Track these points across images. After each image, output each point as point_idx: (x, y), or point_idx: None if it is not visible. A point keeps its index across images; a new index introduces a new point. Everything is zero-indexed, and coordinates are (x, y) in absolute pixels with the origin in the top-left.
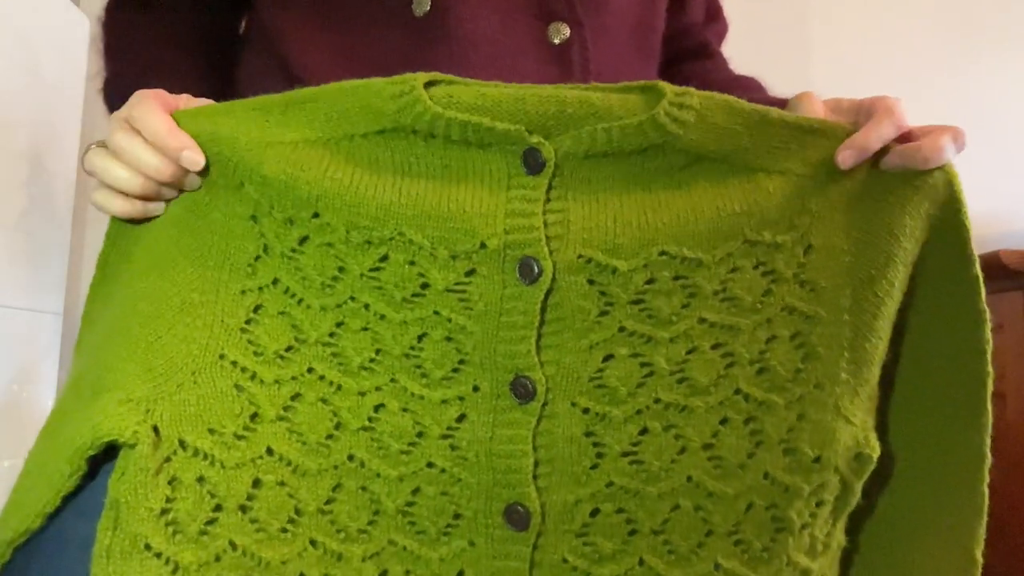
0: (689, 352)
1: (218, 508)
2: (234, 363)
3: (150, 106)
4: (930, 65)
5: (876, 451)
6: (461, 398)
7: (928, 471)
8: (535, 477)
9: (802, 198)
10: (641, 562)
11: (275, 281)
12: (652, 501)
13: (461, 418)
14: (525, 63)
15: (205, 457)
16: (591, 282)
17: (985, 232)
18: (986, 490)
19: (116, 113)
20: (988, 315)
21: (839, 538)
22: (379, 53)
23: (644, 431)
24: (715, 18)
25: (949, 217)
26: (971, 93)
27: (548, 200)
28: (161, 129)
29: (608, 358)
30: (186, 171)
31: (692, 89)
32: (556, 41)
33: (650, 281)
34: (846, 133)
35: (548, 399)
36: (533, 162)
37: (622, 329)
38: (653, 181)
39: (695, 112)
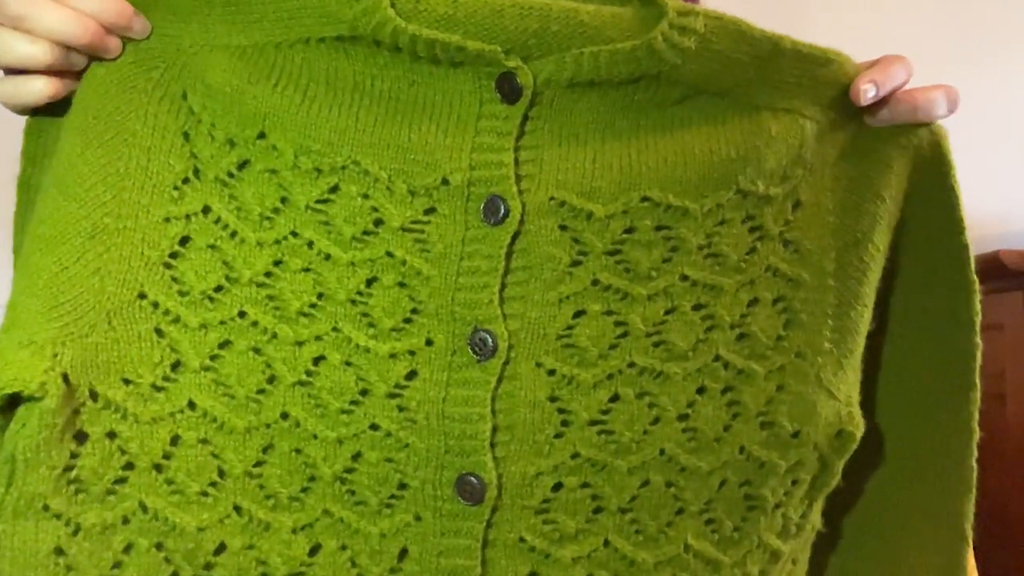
0: (668, 312)
1: (129, 466)
2: (155, 304)
3: None
4: (930, 65)
5: (860, 428)
6: (412, 352)
7: (916, 447)
8: (492, 445)
9: (801, 145)
10: (606, 543)
11: (205, 209)
12: (621, 476)
13: (411, 375)
14: None
15: (117, 410)
16: (563, 227)
17: (985, 232)
18: (975, 464)
19: None
20: (977, 285)
21: (814, 520)
22: None
23: (615, 398)
24: None
25: (936, 180)
26: (971, 93)
27: (522, 134)
28: None
29: (579, 314)
30: (104, 35)
31: (698, 7)
32: None
33: (629, 230)
34: (858, 69)
35: (510, 357)
36: (508, 89)
37: (596, 282)
38: (642, 116)
39: (698, 37)
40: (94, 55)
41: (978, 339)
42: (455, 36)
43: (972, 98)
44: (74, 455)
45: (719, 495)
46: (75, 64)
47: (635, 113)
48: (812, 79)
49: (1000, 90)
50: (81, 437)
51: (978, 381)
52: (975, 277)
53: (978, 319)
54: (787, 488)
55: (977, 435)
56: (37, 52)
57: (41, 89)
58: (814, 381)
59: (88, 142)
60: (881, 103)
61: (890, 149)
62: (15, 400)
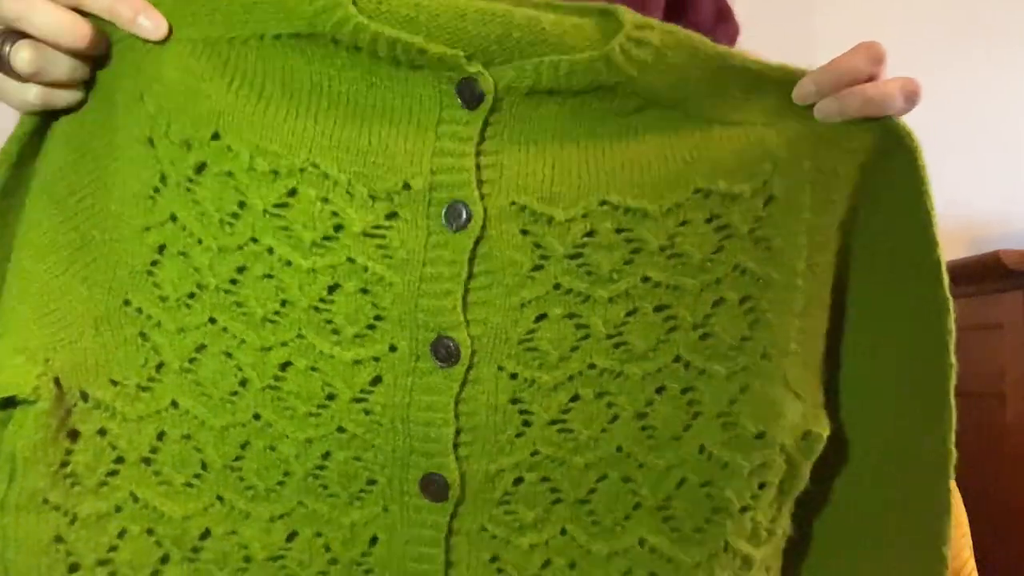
0: (629, 314)
1: (119, 460)
2: (139, 310)
3: None
4: (930, 65)
5: (827, 429)
6: (376, 359)
7: (892, 469)
8: (455, 446)
9: (763, 144)
10: (564, 532)
11: (173, 216)
12: (578, 471)
13: (376, 381)
14: None
15: (106, 409)
16: (525, 232)
17: (985, 232)
18: (952, 486)
19: None
20: (951, 304)
21: (784, 525)
22: None
23: (575, 398)
24: (725, 19)
25: (905, 192)
26: (971, 93)
27: (483, 140)
28: None
29: (541, 318)
30: (97, 41)
31: (654, 21)
32: None
33: (590, 233)
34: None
35: (473, 362)
36: (469, 95)
37: (557, 286)
38: (599, 125)
39: (653, 50)
40: (87, 55)
41: (953, 359)
42: (417, 38)
43: (972, 98)
44: (69, 452)
45: (678, 493)
46: (76, 74)
47: (592, 121)
48: (761, 91)
49: (1000, 90)
50: (74, 435)
51: (953, 402)
52: (949, 295)
53: (952, 338)
54: (754, 491)
55: (954, 457)
56: (32, 59)
57: (31, 100)
58: (780, 382)
59: (80, 153)
60: (832, 99)
61: (841, 151)
62: (10, 402)
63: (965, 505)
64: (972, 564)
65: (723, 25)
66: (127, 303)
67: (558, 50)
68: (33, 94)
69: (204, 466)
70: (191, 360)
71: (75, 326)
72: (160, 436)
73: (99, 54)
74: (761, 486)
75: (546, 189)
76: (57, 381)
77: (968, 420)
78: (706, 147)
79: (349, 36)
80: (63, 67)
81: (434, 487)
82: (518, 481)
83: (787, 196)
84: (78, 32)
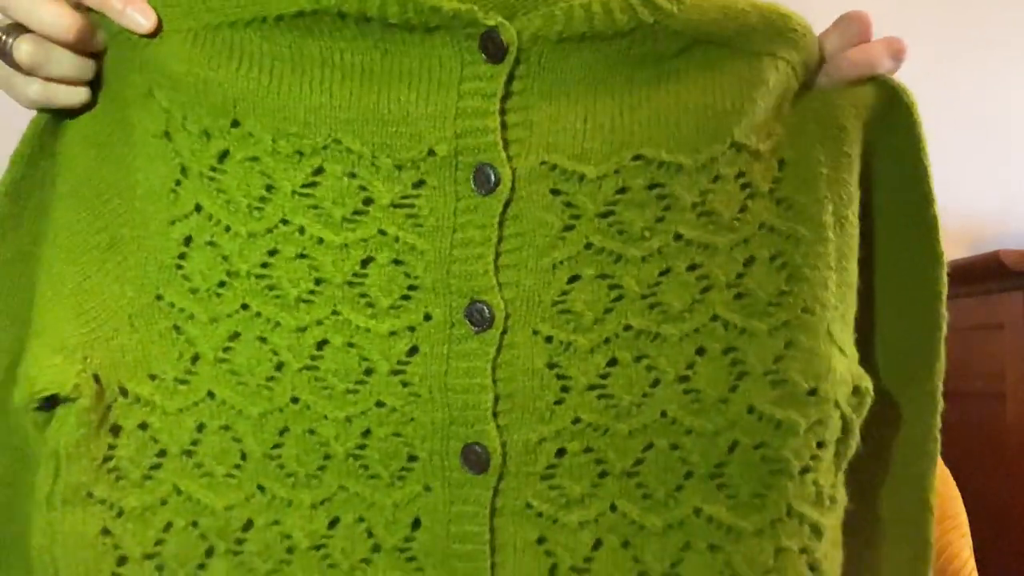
0: (662, 273)
1: (162, 454)
2: (172, 304)
3: None
4: (930, 65)
5: (871, 383)
6: (412, 329)
7: (880, 417)
8: (495, 414)
9: (780, 104)
10: (613, 507)
11: (198, 207)
12: (623, 439)
13: (412, 351)
14: None
15: (146, 404)
16: (555, 192)
17: (985, 232)
18: (939, 436)
19: None
20: (944, 258)
21: (843, 494)
22: None
23: (613, 362)
24: None
25: (903, 150)
26: (971, 93)
27: (509, 96)
28: None
29: (573, 279)
30: (96, 35)
31: None
32: None
33: (622, 190)
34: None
35: (508, 326)
36: (493, 48)
37: (589, 246)
38: (637, 72)
39: None
40: (89, 51)
41: (944, 311)
42: None
43: (972, 97)
44: (112, 447)
45: (731, 458)
46: (73, 72)
47: (630, 68)
48: (801, 39)
49: (1001, 90)
50: (116, 430)
51: (943, 352)
52: (943, 250)
53: (945, 291)
54: (813, 451)
55: (941, 406)
56: (34, 52)
57: (32, 96)
58: (825, 336)
59: (100, 153)
60: (832, 67)
61: (843, 107)
62: (53, 400)
63: (965, 505)
64: (972, 564)
65: None
66: (159, 298)
67: None
68: (34, 89)
69: (243, 456)
70: (225, 349)
71: (110, 323)
72: (200, 428)
73: (100, 49)
74: (819, 445)
75: (577, 145)
76: (96, 378)
77: (968, 420)
78: (750, 90)
79: (356, 6)
80: (64, 63)
81: (475, 458)
82: (561, 452)
83: (800, 158)
84: (74, 26)
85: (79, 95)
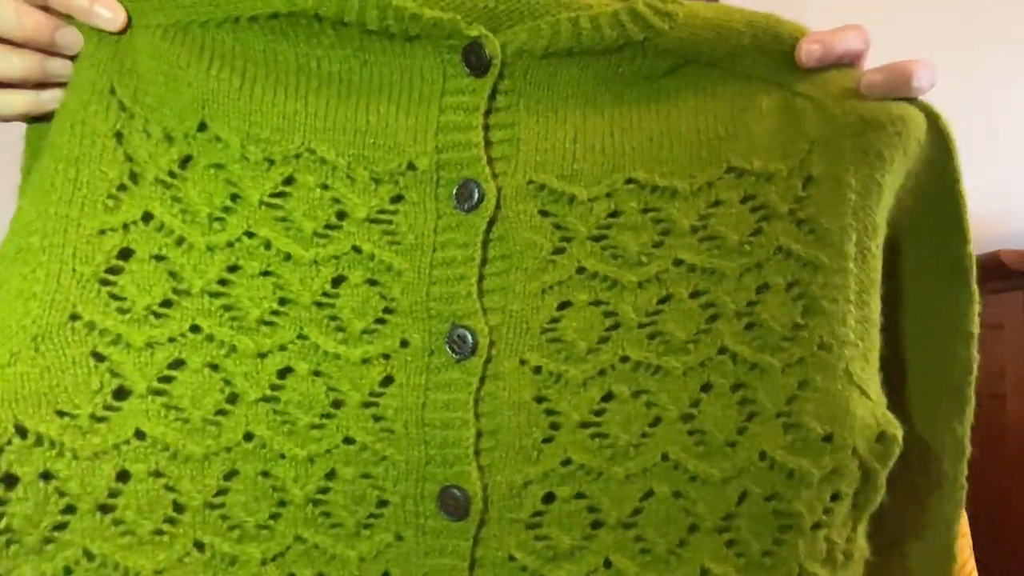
0: (662, 300)
1: (70, 510)
2: (91, 325)
3: None
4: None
5: (899, 430)
6: (386, 356)
7: (906, 461)
8: (476, 453)
9: (798, 122)
10: (608, 563)
11: (146, 216)
12: (619, 485)
13: (386, 381)
14: None
15: (52, 446)
16: (544, 213)
17: (985, 232)
18: (966, 483)
19: None
20: (978, 297)
21: (861, 547)
22: None
23: (608, 396)
24: None
25: (941, 182)
26: (971, 94)
27: (494, 111)
28: None
29: (564, 305)
30: (57, 32)
31: None
32: None
33: (614, 213)
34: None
35: (492, 355)
36: (476, 61)
37: (581, 270)
38: (627, 90)
39: (684, 8)
40: (52, 51)
41: (976, 352)
42: (410, 2)
43: (972, 97)
44: (2, 502)
45: (740, 510)
46: (51, 72)
47: (620, 86)
48: (788, 58)
49: (1000, 90)
50: (10, 480)
51: (973, 396)
52: (976, 290)
53: (976, 333)
54: (826, 504)
55: (969, 451)
56: (15, 65)
57: (16, 104)
58: (843, 376)
59: (34, 157)
60: (876, 73)
61: (886, 134)
62: None
63: (965, 505)
64: (972, 564)
65: None
66: (75, 317)
67: (575, 9)
68: (17, 100)
69: (178, 507)
70: (162, 379)
71: (7, 346)
72: (122, 476)
73: (64, 50)
74: (834, 497)
75: (567, 166)
76: None
77: None
78: (743, 116)
79: (335, 9)
80: (15, 65)
81: (453, 502)
82: (549, 498)
83: (828, 176)
84: (30, 24)
85: (29, 99)
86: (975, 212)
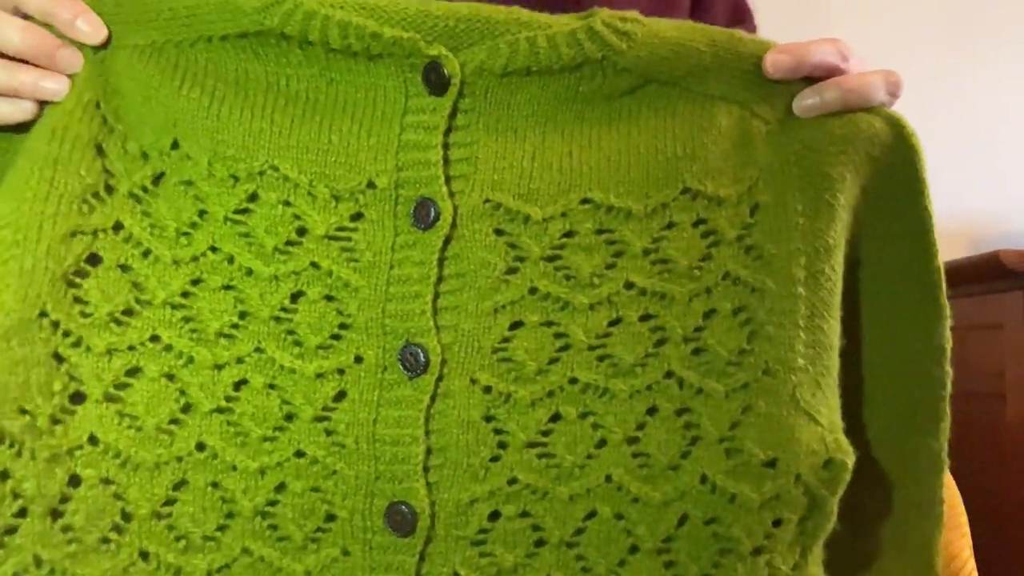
0: (612, 323)
1: (22, 513)
2: (55, 324)
3: None
4: (928, 66)
5: (851, 456)
6: (340, 371)
7: (884, 478)
8: (425, 470)
9: (750, 146)
10: None
11: (117, 226)
12: (563, 504)
13: (340, 396)
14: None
15: (12, 445)
16: (499, 232)
17: (985, 232)
18: (944, 498)
19: None
20: (948, 311)
21: (813, 573)
22: None
23: (556, 417)
24: (742, 19)
25: (905, 195)
26: (970, 94)
27: (453, 129)
28: None
29: (516, 325)
30: (59, 51)
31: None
32: None
33: (568, 234)
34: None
35: (443, 373)
36: (436, 80)
37: (533, 291)
38: (587, 109)
39: (641, 25)
40: (50, 67)
41: (948, 368)
42: (370, 21)
43: (972, 98)
44: None
45: (680, 532)
46: (44, 91)
47: (580, 105)
48: (763, 78)
49: (1000, 90)
50: None
51: (948, 412)
52: (947, 303)
53: (948, 347)
54: (767, 530)
55: (947, 466)
56: (12, 78)
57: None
58: (788, 402)
59: (12, 156)
60: (810, 90)
61: (829, 154)
62: None
63: (965, 505)
64: (972, 564)
65: (740, 26)
66: (43, 314)
67: (533, 30)
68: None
69: (125, 515)
70: (118, 386)
71: None
72: (73, 481)
73: (64, 69)
74: (776, 523)
75: (524, 185)
76: None
77: (968, 420)
78: (701, 136)
79: (299, 28)
80: (13, 78)
81: (401, 518)
82: (495, 516)
83: (775, 202)
84: (33, 41)
85: (9, 108)
86: (975, 212)
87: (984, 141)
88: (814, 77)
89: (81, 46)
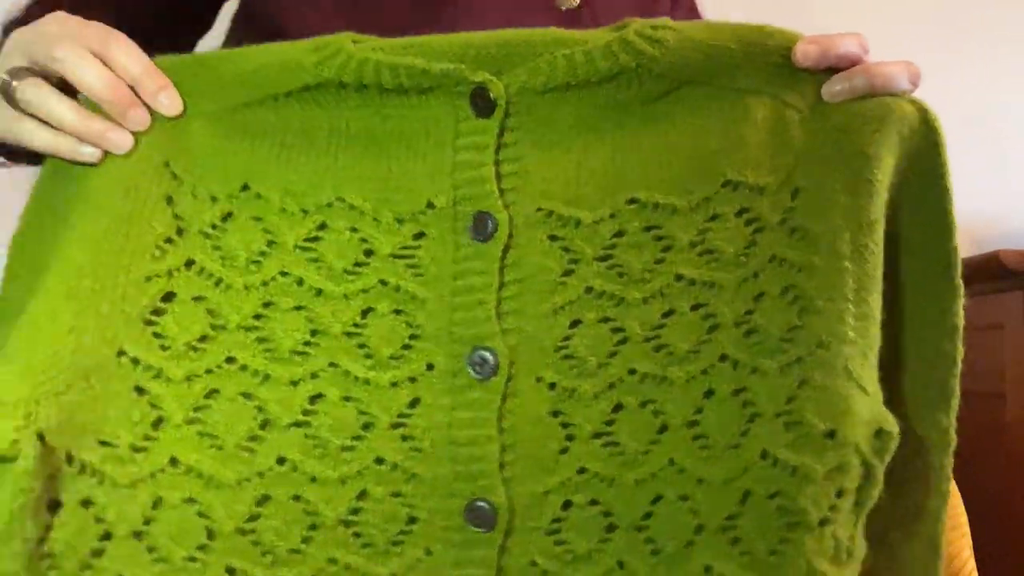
0: (665, 314)
1: (106, 536)
2: (135, 360)
3: (115, 33)
4: (928, 65)
5: (895, 426)
6: (413, 379)
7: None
8: (500, 466)
9: (785, 134)
10: (621, 565)
11: (188, 263)
12: (630, 490)
13: (414, 403)
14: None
15: (93, 474)
16: (553, 237)
17: (985, 232)
18: (951, 475)
19: (43, 28)
20: (962, 290)
21: (861, 543)
22: (382, 18)
23: (618, 407)
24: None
25: (928, 175)
26: (969, 93)
27: (502, 147)
28: (140, 59)
29: (575, 323)
30: (131, 110)
31: (669, 20)
32: (564, 8)
33: (618, 233)
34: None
35: (511, 373)
36: (482, 104)
37: (589, 290)
38: (625, 115)
39: (673, 32)
40: (118, 121)
41: (960, 345)
42: (417, 59)
43: (972, 98)
44: (48, 527)
45: (743, 509)
46: (108, 141)
47: (618, 112)
48: (793, 69)
49: (1000, 89)
50: (55, 507)
51: (957, 389)
52: (961, 282)
53: (961, 325)
54: (831, 500)
55: (954, 443)
56: (70, 117)
57: (45, 141)
58: (843, 374)
59: (84, 209)
60: (839, 76)
61: (863, 133)
62: None
63: (965, 505)
64: (972, 564)
65: None
66: (122, 353)
67: (570, 47)
68: (41, 136)
69: (210, 533)
70: (197, 408)
71: (61, 377)
72: (156, 503)
73: (133, 126)
74: (839, 494)
75: (571, 191)
76: (41, 437)
77: (968, 420)
78: (737, 129)
79: (354, 75)
80: (66, 116)
81: (481, 515)
82: (567, 505)
83: (815, 185)
84: (115, 93)
85: (86, 152)
86: (975, 212)
87: (984, 141)
88: (836, 67)
89: (156, 116)
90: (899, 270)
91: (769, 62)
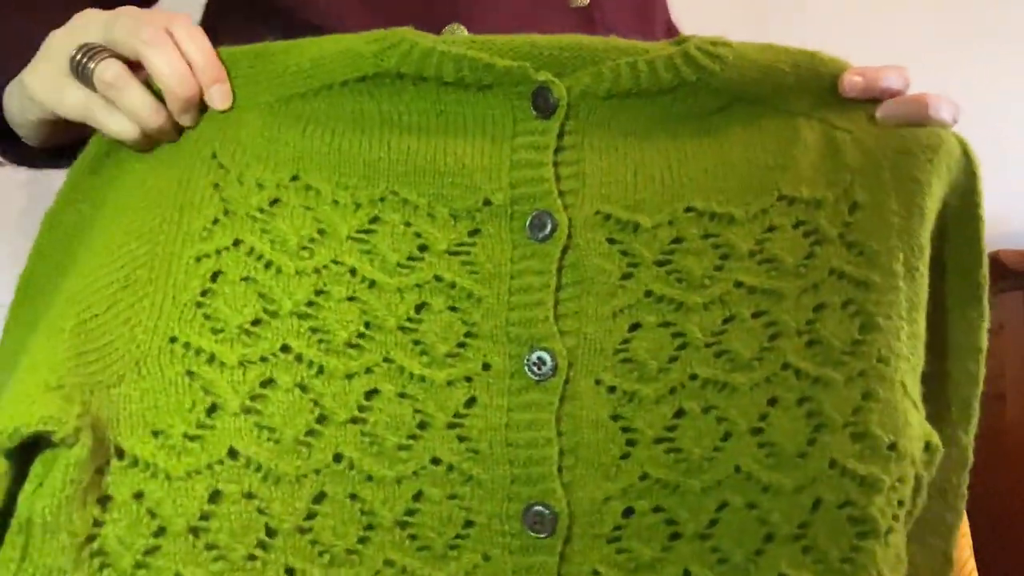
0: (726, 320)
1: (161, 532)
2: (187, 345)
3: (184, 18)
4: (927, 65)
5: (940, 442)
6: (469, 378)
7: None
8: (559, 470)
9: (838, 154)
10: (687, 574)
11: (236, 242)
12: (695, 497)
13: (470, 402)
14: (549, 26)
15: (146, 467)
16: (611, 240)
17: (985, 232)
18: (966, 492)
19: (125, 14)
20: (987, 314)
21: (906, 552)
22: (396, 8)
23: (680, 413)
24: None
25: (967, 208)
26: (969, 93)
27: (561, 148)
28: (204, 47)
29: (635, 327)
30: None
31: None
32: (574, 5)
33: (677, 240)
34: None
35: (570, 376)
36: (543, 104)
37: (649, 293)
38: (681, 126)
39: (732, 49)
40: (173, 112)
41: (984, 368)
42: (483, 54)
43: (972, 98)
44: (97, 522)
45: (815, 517)
46: (158, 130)
47: (674, 123)
48: (827, 95)
49: (1000, 90)
50: (104, 501)
51: (978, 409)
52: (987, 309)
53: (985, 349)
54: (895, 510)
55: (971, 461)
56: (144, 105)
57: (121, 128)
58: (900, 388)
59: (137, 200)
60: (892, 102)
61: (917, 160)
62: (30, 449)
63: (965, 505)
64: (972, 564)
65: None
66: (173, 340)
67: (632, 56)
68: (116, 120)
69: (270, 531)
70: (254, 397)
71: (114, 368)
72: (214, 496)
73: (184, 120)
74: (900, 504)
75: (630, 196)
76: (94, 428)
77: None
78: (789, 149)
79: (415, 67)
80: (138, 99)
81: (540, 520)
82: (629, 512)
83: (872, 202)
84: (185, 88)
85: (144, 143)
86: None
87: (984, 141)
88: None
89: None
90: (936, 293)
91: (819, 87)
